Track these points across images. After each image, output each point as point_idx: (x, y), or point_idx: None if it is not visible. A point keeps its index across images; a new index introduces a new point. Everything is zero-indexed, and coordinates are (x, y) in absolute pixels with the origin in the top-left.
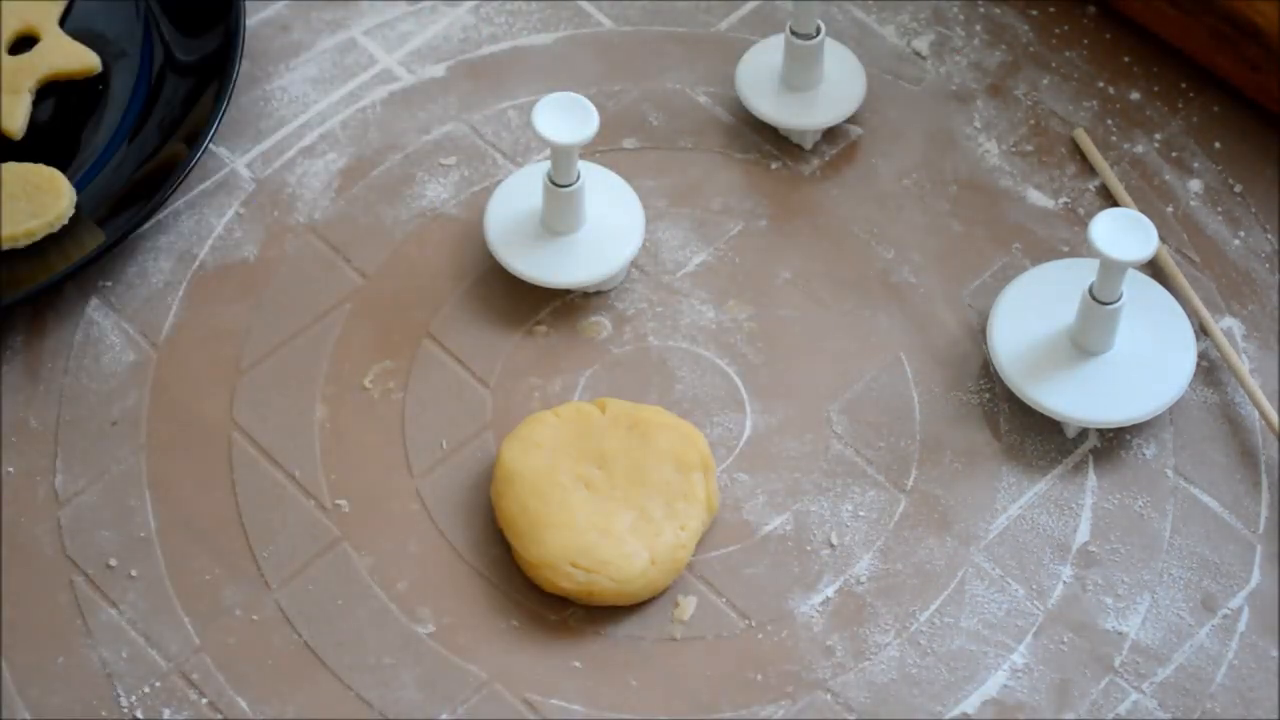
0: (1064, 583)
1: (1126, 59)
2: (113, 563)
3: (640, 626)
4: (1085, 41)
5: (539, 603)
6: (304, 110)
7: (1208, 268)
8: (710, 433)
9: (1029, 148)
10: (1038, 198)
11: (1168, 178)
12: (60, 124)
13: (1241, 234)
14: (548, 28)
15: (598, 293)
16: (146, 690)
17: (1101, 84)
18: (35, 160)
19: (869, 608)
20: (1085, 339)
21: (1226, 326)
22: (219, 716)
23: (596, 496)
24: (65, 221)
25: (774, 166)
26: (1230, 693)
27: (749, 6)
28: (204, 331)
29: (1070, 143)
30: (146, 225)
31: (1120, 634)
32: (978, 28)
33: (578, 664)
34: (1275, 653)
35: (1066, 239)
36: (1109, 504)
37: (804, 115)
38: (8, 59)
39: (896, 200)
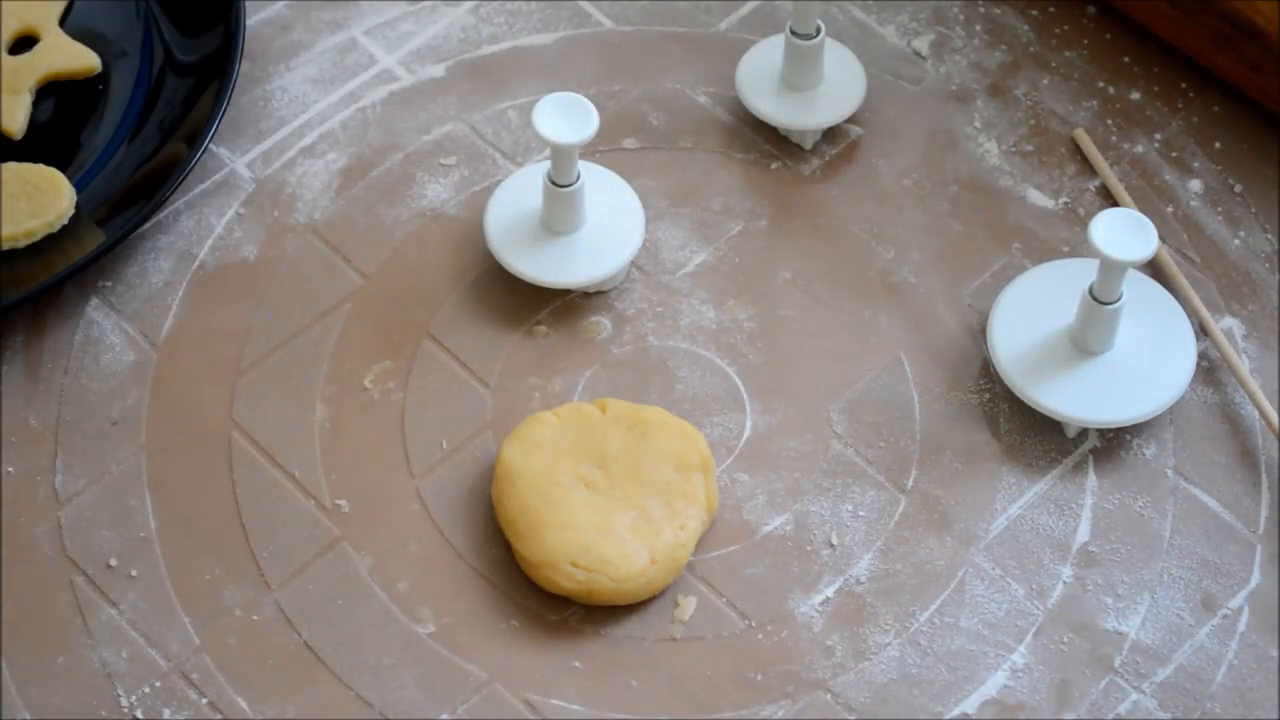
0: (1064, 583)
1: (1126, 59)
2: (113, 563)
3: (640, 626)
4: (1085, 41)
5: (539, 603)
6: (304, 110)
7: (1208, 268)
8: (710, 433)
9: (1029, 148)
10: (1038, 198)
11: (1168, 178)
12: (60, 124)
13: (1241, 234)
14: (548, 28)
15: (598, 293)
16: (146, 690)
17: (1101, 84)
18: (35, 160)
19: (869, 608)
20: (1085, 339)
21: (1226, 326)
22: (219, 716)
23: (596, 496)
24: (65, 221)
25: (774, 166)
26: (1230, 693)
27: (749, 6)
28: (204, 331)
29: (1070, 143)
30: (146, 225)
31: (1120, 634)
32: (978, 28)
33: (578, 664)
34: (1275, 653)
35: (1066, 239)
36: (1109, 504)
37: (804, 115)
38: (8, 59)
39: (896, 200)
